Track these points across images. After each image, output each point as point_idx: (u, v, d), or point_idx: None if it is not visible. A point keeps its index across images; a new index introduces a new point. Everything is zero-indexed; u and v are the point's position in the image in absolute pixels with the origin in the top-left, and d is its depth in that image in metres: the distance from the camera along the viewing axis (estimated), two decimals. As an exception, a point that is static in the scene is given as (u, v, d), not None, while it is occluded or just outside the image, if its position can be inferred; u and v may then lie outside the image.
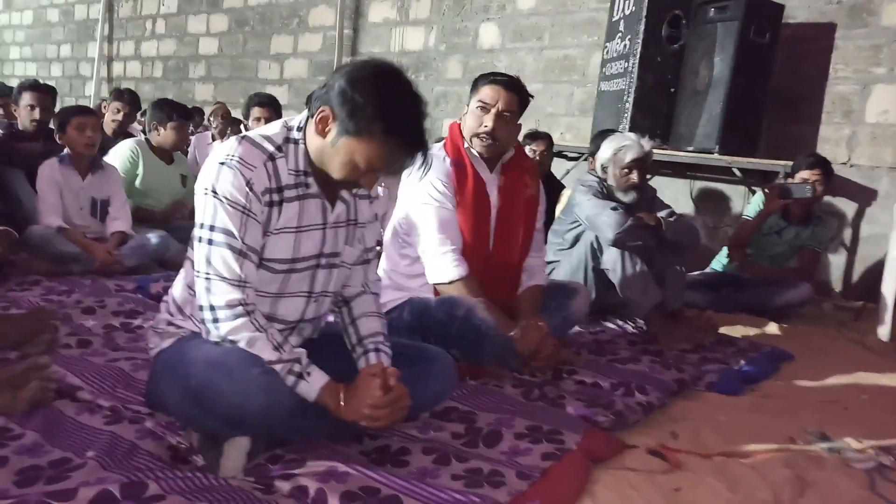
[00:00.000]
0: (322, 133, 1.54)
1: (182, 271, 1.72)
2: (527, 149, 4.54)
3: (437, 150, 2.42)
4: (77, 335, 2.38)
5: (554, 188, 4.50)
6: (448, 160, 2.40)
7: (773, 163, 4.09)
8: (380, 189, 2.02)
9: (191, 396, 1.56)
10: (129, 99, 5.10)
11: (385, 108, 1.47)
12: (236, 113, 6.77)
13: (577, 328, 2.97)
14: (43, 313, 2.35)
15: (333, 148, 1.53)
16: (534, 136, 4.62)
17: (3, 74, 11.80)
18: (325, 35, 7.46)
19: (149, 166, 3.95)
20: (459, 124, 2.48)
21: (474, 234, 2.38)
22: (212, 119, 6.54)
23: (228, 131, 6.15)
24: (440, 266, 2.32)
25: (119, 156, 3.90)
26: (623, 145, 3.09)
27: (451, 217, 2.35)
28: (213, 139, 5.91)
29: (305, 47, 7.69)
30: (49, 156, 3.60)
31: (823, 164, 3.65)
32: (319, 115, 1.53)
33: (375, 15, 6.97)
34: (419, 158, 1.55)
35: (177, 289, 1.72)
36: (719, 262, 3.85)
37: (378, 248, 1.97)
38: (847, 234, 4.25)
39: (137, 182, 3.92)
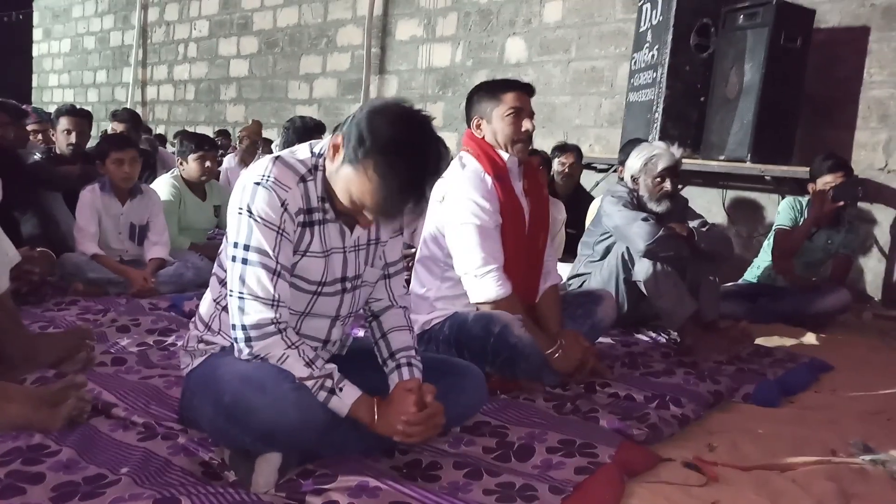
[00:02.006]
0: (332, 158, 1.55)
1: (209, 289, 1.74)
2: (556, 161, 4.54)
3: (470, 162, 2.36)
4: (112, 353, 2.42)
5: (583, 199, 4.48)
6: (489, 177, 2.32)
7: (808, 170, 4.01)
8: None
9: (223, 413, 1.57)
10: (124, 117, 5.17)
11: (383, 148, 1.44)
12: (263, 133, 6.90)
13: (609, 340, 2.94)
14: (79, 332, 2.39)
15: (337, 174, 1.53)
16: (562, 148, 4.61)
17: (42, 101, 12.15)
18: (353, 54, 7.55)
19: (188, 202, 4.00)
20: (475, 136, 2.40)
21: (514, 244, 2.34)
22: (239, 140, 6.60)
23: (259, 152, 6.25)
24: (483, 286, 2.26)
25: (162, 193, 3.87)
26: (654, 154, 3.05)
27: (495, 234, 2.29)
28: (244, 162, 5.99)
29: (334, 67, 7.79)
30: (86, 179, 3.68)
31: (845, 166, 3.53)
32: (334, 141, 1.54)
33: (402, 33, 7.04)
34: (413, 209, 1.48)
35: (204, 306, 1.74)
36: (753, 272, 3.78)
37: (411, 252, 1.95)
38: (886, 240, 4.14)
39: (177, 219, 3.94)
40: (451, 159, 5.00)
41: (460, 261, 2.28)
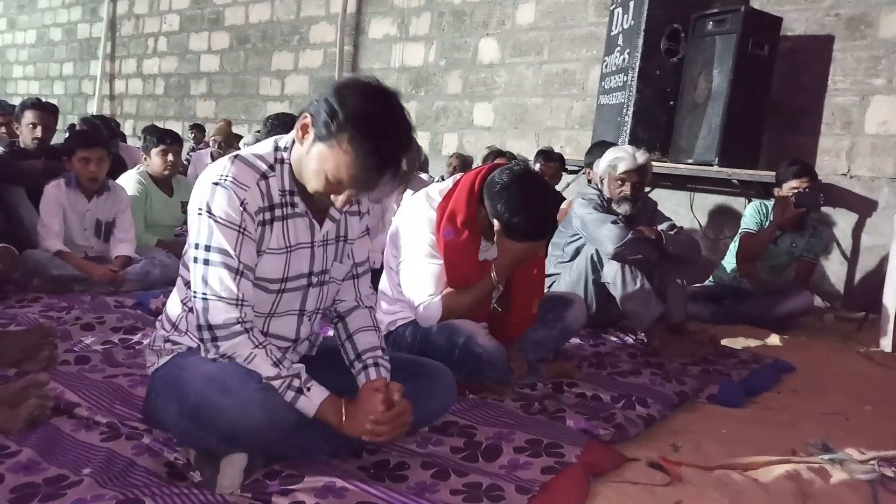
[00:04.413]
0: (301, 140, 1.53)
1: (175, 289, 1.72)
2: (536, 167, 4.54)
3: (433, 200, 2.27)
4: (76, 352, 2.38)
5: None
6: (434, 223, 2.20)
7: (773, 174, 4.08)
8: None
9: (188, 413, 1.56)
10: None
11: (357, 117, 1.43)
12: (233, 129, 6.82)
13: (577, 341, 2.96)
14: (42, 330, 2.34)
15: (308, 156, 1.51)
16: (547, 155, 4.56)
17: (6, 93, 11.87)
18: (325, 51, 7.51)
19: (154, 199, 3.95)
20: (477, 181, 2.19)
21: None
22: (213, 141, 6.52)
23: (232, 150, 6.19)
24: (427, 316, 2.21)
25: (128, 189, 3.79)
26: (616, 157, 3.11)
27: (442, 271, 2.20)
28: (213, 158, 5.94)
29: (306, 64, 7.74)
30: (51, 173, 3.61)
31: (810, 172, 3.60)
32: (301, 122, 1.52)
33: (376, 31, 7.02)
34: (391, 179, 1.49)
35: (171, 306, 1.72)
36: (719, 274, 3.84)
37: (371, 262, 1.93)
38: (848, 244, 4.24)
39: (144, 215, 3.89)
40: (424, 158, 4.95)
41: (407, 292, 2.24)
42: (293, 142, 1.59)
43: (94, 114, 7.65)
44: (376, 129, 1.44)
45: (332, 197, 1.54)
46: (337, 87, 1.48)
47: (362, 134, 1.43)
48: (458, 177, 2.31)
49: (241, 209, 1.52)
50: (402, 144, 1.48)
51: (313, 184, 1.53)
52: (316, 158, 1.50)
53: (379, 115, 1.45)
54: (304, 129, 1.52)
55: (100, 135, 3.87)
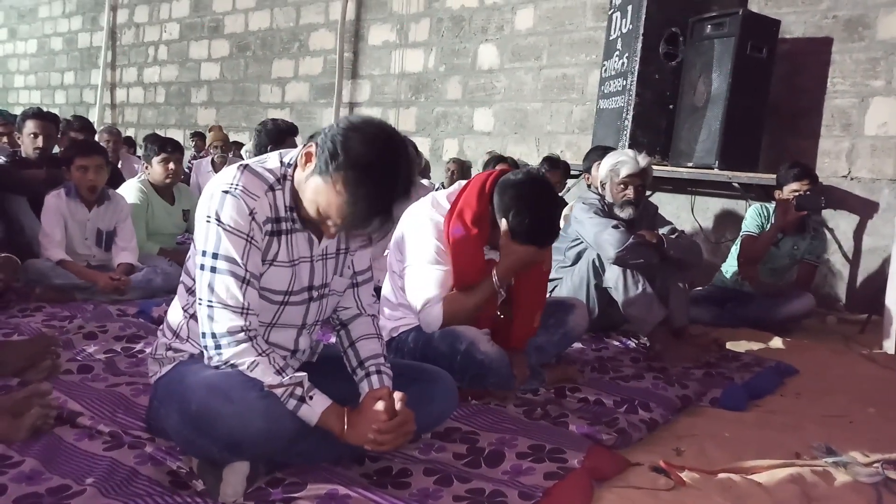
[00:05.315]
0: (303, 166, 1.54)
1: (177, 297, 1.72)
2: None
3: (440, 205, 2.27)
4: (78, 361, 2.38)
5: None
6: (441, 227, 2.21)
7: (773, 177, 4.09)
8: None
9: (190, 421, 1.56)
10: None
11: (356, 164, 1.44)
12: (234, 136, 6.83)
13: (579, 345, 2.96)
14: (44, 339, 2.35)
15: (306, 183, 1.53)
16: (553, 164, 4.50)
17: (7, 103, 11.91)
18: (325, 59, 7.53)
19: (155, 207, 3.96)
20: (484, 197, 2.21)
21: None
22: (213, 148, 6.54)
23: (231, 154, 6.20)
24: (429, 320, 2.21)
25: (129, 197, 3.79)
26: (618, 161, 3.10)
27: (446, 277, 2.20)
28: (213, 163, 5.95)
29: (306, 71, 7.77)
30: (52, 183, 3.61)
31: (810, 174, 3.60)
32: (306, 149, 1.53)
33: (375, 38, 7.04)
34: (378, 227, 1.49)
35: (172, 313, 1.72)
36: (721, 277, 3.83)
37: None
38: (849, 246, 4.23)
39: (145, 223, 3.89)
40: (423, 165, 4.95)
41: (410, 297, 2.24)
42: (297, 157, 1.59)
43: (75, 114, 7.56)
44: (372, 180, 1.44)
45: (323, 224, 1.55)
46: (348, 126, 1.48)
47: (357, 180, 1.44)
48: (463, 183, 2.33)
49: (250, 218, 1.52)
50: (396, 197, 1.47)
51: (307, 209, 1.55)
52: (312, 189, 1.51)
53: (379, 166, 1.45)
54: (308, 156, 1.52)
55: (97, 143, 3.88)
